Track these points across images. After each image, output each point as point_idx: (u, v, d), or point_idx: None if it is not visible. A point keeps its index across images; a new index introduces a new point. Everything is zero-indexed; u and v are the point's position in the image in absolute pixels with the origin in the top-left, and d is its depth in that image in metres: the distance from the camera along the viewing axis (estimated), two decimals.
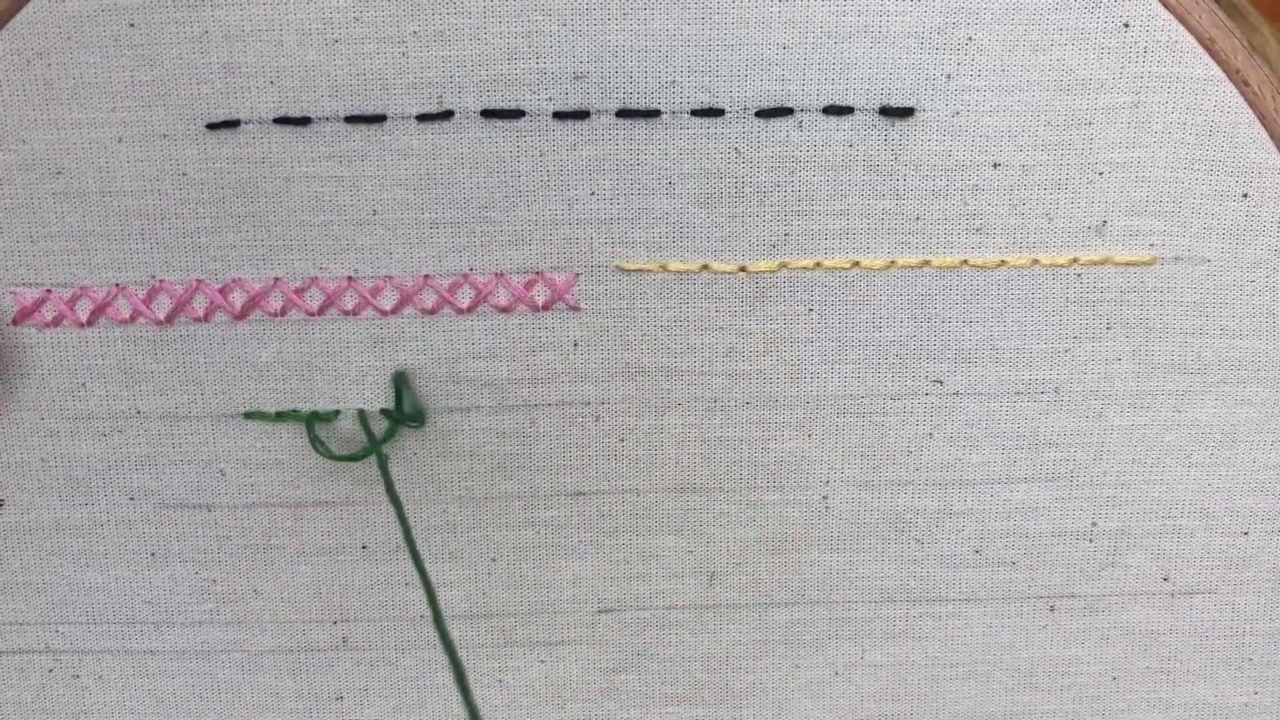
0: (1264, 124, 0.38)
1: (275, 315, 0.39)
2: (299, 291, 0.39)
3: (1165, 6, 0.37)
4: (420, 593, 0.42)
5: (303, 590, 0.42)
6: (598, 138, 0.38)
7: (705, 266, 0.39)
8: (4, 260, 0.38)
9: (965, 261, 0.39)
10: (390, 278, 0.39)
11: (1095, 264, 0.39)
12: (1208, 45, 0.37)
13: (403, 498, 0.41)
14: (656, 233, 0.39)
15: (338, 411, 0.40)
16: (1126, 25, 0.37)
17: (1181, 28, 0.37)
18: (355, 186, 0.38)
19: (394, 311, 0.39)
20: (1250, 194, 0.38)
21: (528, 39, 0.37)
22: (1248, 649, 0.42)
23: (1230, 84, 0.38)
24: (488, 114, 0.38)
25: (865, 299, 0.39)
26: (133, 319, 0.39)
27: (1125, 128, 0.38)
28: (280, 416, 0.40)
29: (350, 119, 0.38)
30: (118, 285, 0.39)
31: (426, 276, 0.39)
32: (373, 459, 0.40)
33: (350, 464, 0.40)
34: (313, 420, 0.40)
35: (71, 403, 0.40)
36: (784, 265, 0.39)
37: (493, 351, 0.40)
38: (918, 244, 0.39)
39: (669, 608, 0.42)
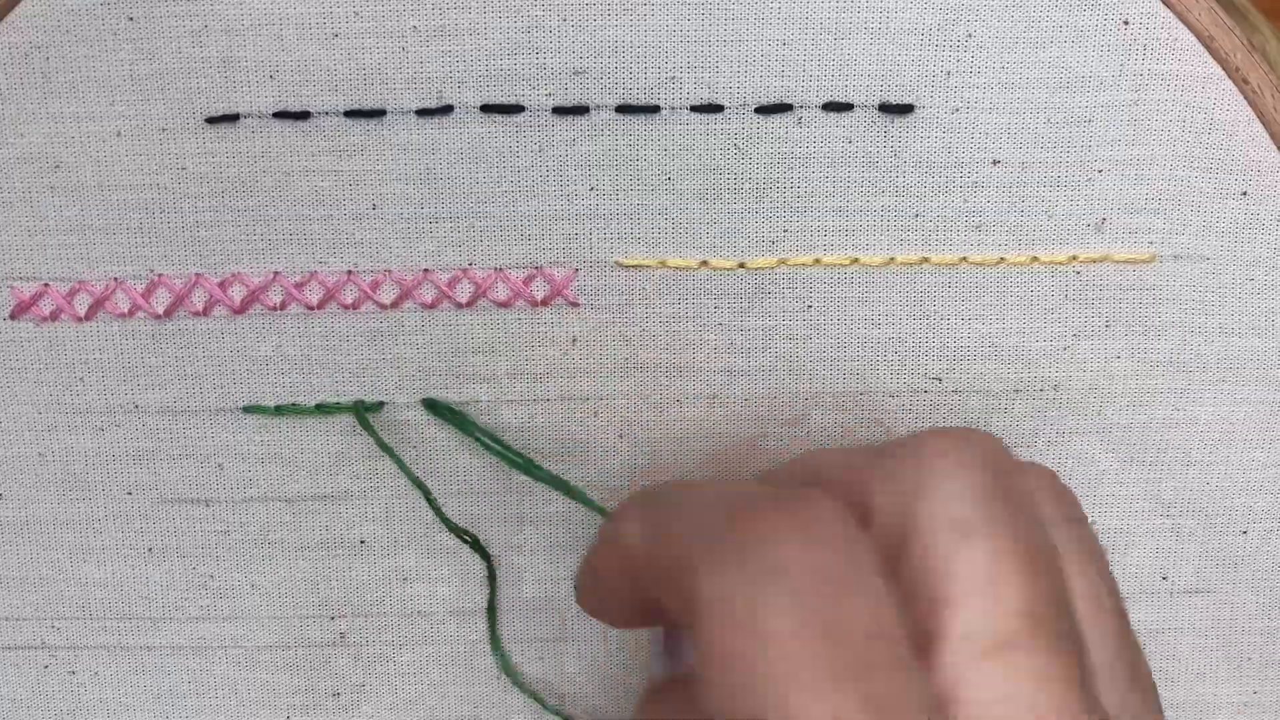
0: (1263, 122, 0.38)
1: (274, 309, 0.39)
2: (298, 286, 0.39)
3: (1165, 4, 0.37)
4: (418, 588, 0.41)
5: (300, 586, 0.41)
6: (597, 133, 0.38)
7: (704, 263, 0.39)
8: (2, 254, 0.38)
9: (964, 259, 0.39)
10: (389, 272, 0.39)
11: (1094, 261, 0.39)
12: (1207, 43, 0.37)
13: (400, 493, 0.41)
14: (656, 228, 0.39)
15: (383, 403, 0.40)
16: (1126, 23, 0.37)
17: (1181, 25, 0.37)
18: (355, 181, 0.38)
19: (393, 306, 0.39)
20: (1249, 192, 0.38)
21: (527, 34, 0.37)
22: (1246, 648, 0.42)
23: (1230, 82, 0.38)
24: (487, 109, 0.38)
25: (864, 296, 0.39)
26: (131, 313, 0.39)
27: (1125, 125, 0.38)
28: (279, 411, 0.40)
29: (350, 113, 0.38)
30: (116, 279, 0.39)
31: (426, 271, 0.39)
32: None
33: (345, 461, 0.40)
34: (361, 410, 0.40)
35: (69, 397, 0.40)
36: (783, 262, 0.39)
37: (491, 346, 0.40)
38: (917, 241, 0.39)
39: None
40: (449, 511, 0.41)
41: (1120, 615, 0.33)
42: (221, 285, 0.39)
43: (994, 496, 0.30)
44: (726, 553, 0.29)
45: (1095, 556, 0.33)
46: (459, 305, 0.39)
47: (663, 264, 0.39)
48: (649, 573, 0.32)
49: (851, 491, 0.31)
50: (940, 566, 0.29)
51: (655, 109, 0.38)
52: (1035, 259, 0.39)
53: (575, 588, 0.37)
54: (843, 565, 0.28)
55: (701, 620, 0.29)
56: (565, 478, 0.41)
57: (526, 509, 0.41)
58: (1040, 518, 0.31)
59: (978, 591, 0.29)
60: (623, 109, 0.38)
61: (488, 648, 0.42)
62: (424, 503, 0.41)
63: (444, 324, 0.40)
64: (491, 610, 0.42)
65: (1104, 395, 0.40)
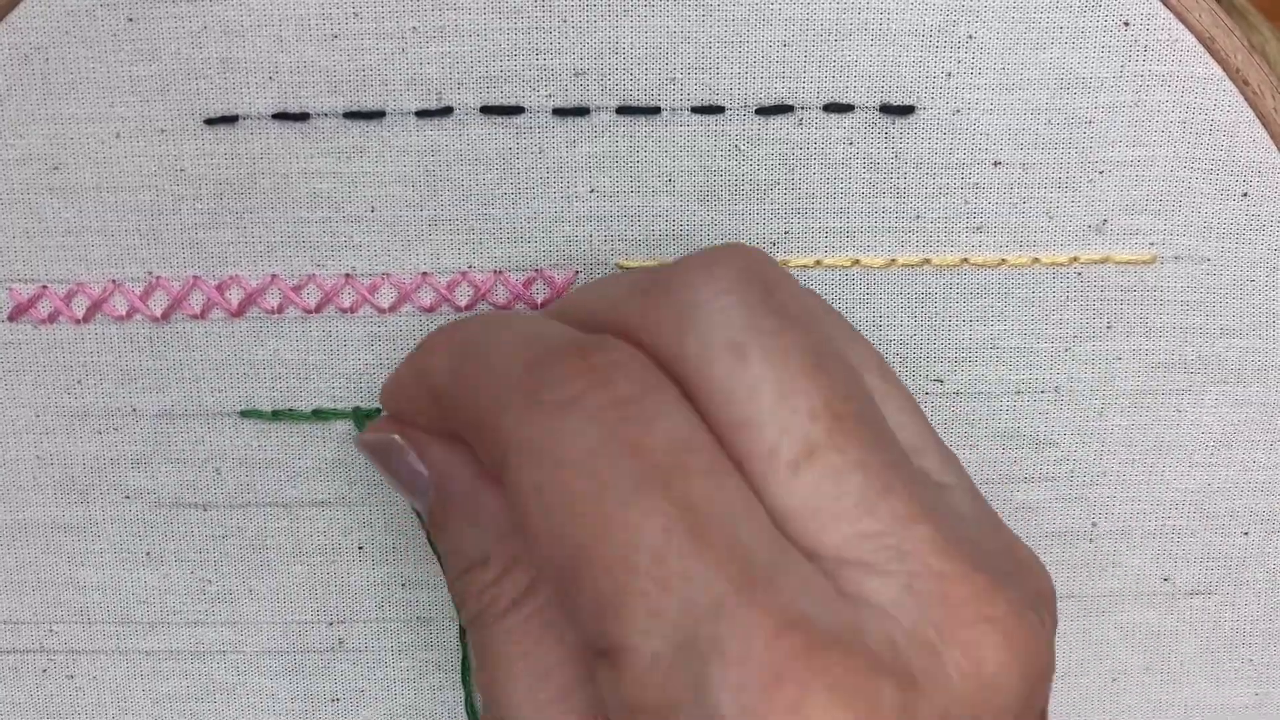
0: (1264, 123, 0.38)
1: (272, 313, 0.39)
2: (296, 289, 0.39)
3: (1165, 5, 0.37)
4: (416, 594, 0.41)
5: (298, 591, 0.41)
6: (597, 134, 0.38)
7: None
8: (0, 255, 0.38)
9: (965, 260, 0.39)
10: (388, 275, 0.39)
11: (1095, 263, 0.39)
12: (1207, 44, 0.38)
13: (399, 498, 0.41)
14: (656, 230, 0.39)
15: (379, 409, 0.40)
16: (1126, 24, 0.37)
17: (1181, 26, 0.37)
18: (353, 183, 0.38)
19: (392, 309, 0.39)
20: (1250, 193, 0.38)
21: (528, 35, 0.37)
22: (1248, 650, 0.42)
23: (1230, 83, 0.38)
24: (487, 110, 0.38)
25: (865, 297, 0.39)
26: (129, 316, 0.39)
27: (1125, 126, 0.38)
28: (276, 415, 0.40)
29: (349, 115, 0.38)
30: (114, 281, 0.39)
31: (425, 274, 0.39)
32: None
33: (342, 466, 0.40)
34: (359, 417, 0.40)
35: (67, 400, 0.39)
36: (784, 263, 0.39)
37: None
38: (918, 242, 0.39)
39: None
40: None
41: (912, 399, 0.33)
42: (219, 288, 0.39)
43: (760, 310, 0.30)
44: (527, 396, 0.29)
45: (877, 355, 0.33)
46: (458, 309, 0.39)
47: (663, 265, 0.39)
48: (453, 410, 0.33)
49: (623, 335, 0.31)
50: (725, 394, 0.29)
51: (656, 110, 0.38)
52: (1036, 260, 0.39)
53: (382, 390, 0.37)
54: (640, 394, 0.29)
55: (508, 465, 0.29)
56: None
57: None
58: (815, 319, 0.31)
59: (768, 406, 0.29)
60: (623, 110, 0.38)
61: None
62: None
63: None
64: (465, 670, 0.42)
65: (1105, 397, 0.40)
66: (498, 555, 0.34)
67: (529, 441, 0.29)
